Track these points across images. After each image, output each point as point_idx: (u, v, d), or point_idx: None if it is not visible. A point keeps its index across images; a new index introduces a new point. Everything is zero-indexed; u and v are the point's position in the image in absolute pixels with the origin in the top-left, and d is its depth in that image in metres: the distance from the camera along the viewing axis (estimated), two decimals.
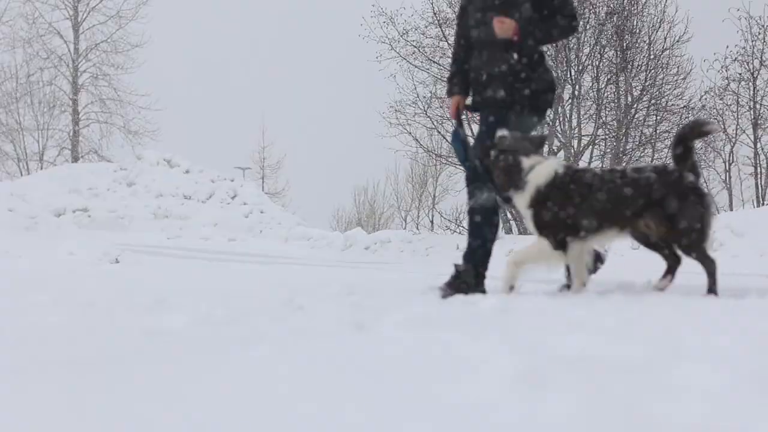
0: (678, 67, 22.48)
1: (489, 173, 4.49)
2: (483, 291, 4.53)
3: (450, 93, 4.91)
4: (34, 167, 29.59)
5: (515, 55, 4.54)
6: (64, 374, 1.80)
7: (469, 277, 4.53)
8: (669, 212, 4.07)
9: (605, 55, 22.67)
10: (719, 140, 19.97)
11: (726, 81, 19.39)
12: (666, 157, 22.20)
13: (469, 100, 4.89)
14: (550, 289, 4.72)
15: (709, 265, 4.11)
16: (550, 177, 4.17)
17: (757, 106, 18.88)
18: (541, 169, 4.21)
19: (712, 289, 4.10)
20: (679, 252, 4.24)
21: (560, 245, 4.16)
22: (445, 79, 5.00)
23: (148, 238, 17.96)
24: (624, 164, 22.03)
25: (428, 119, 23.76)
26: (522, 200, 4.24)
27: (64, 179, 22.61)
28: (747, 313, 3.11)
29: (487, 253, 4.61)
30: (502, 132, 4.39)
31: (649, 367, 1.79)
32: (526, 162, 4.24)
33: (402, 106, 23.79)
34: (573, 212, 4.12)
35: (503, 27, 4.47)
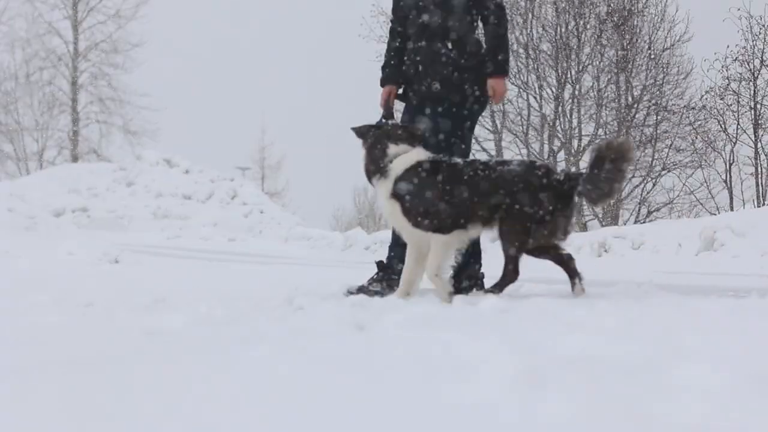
0: (678, 66, 22.50)
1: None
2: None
3: (383, 82, 4.75)
4: (34, 167, 29.59)
5: (450, 45, 4.45)
6: (64, 374, 1.80)
7: (393, 280, 4.47)
8: (510, 210, 3.87)
9: (606, 55, 22.69)
10: (720, 140, 19.98)
11: (726, 81, 19.39)
12: (667, 156, 22.23)
13: (401, 91, 4.77)
14: (549, 289, 4.72)
15: (507, 275, 3.92)
16: (410, 166, 3.98)
17: (758, 106, 18.88)
18: (404, 158, 4.03)
19: (490, 288, 3.97)
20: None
21: (446, 227, 3.91)
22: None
23: (147, 238, 17.97)
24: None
25: None
26: (383, 188, 4.06)
27: (63, 179, 22.63)
28: (747, 313, 3.11)
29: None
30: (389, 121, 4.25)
31: (649, 367, 1.79)
32: (392, 149, 4.07)
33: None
34: (432, 204, 3.91)
35: (501, 93, 4.51)
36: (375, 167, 4.09)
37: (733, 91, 19.26)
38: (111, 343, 2.31)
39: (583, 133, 23.04)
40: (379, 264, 4.62)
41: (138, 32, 31.30)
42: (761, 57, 18.92)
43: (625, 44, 22.26)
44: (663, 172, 22.37)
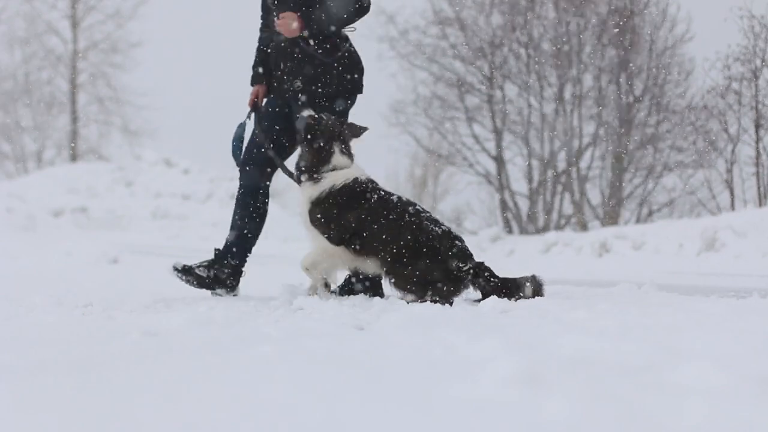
0: (680, 66, 22.51)
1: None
2: (232, 290, 4.28)
3: (252, 82, 4.57)
4: (33, 167, 29.59)
5: (312, 41, 4.24)
6: (63, 374, 1.79)
7: (222, 272, 4.28)
8: None
9: (607, 54, 22.70)
10: (721, 140, 19.99)
11: (728, 80, 19.38)
12: (668, 156, 22.23)
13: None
14: (550, 290, 4.71)
15: None
16: (349, 181, 3.93)
17: (759, 106, 18.88)
18: (342, 174, 3.96)
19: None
20: None
21: (339, 242, 3.92)
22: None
23: (146, 239, 17.96)
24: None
25: (428, 119, 23.81)
26: (309, 192, 3.98)
27: (62, 179, 22.61)
28: (748, 313, 3.10)
29: (249, 248, 4.36)
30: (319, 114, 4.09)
31: (649, 367, 1.79)
32: (336, 159, 3.98)
33: (402, 106, 23.82)
34: (355, 224, 3.88)
35: (285, 24, 4.18)
36: (312, 170, 4.00)
37: (735, 90, 19.26)
38: (110, 344, 2.31)
39: (583, 132, 23.06)
40: (216, 251, 4.42)
41: (137, 32, 31.29)
42: (763, 56, 18.92)
43: (626, 44, 22.27)
44: (664, 172, 22.38)
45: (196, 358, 2.01)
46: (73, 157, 29.12)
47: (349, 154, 4.06)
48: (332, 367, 1.84)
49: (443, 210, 29.66)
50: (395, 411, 1.43)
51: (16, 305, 3.54)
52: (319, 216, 3.95)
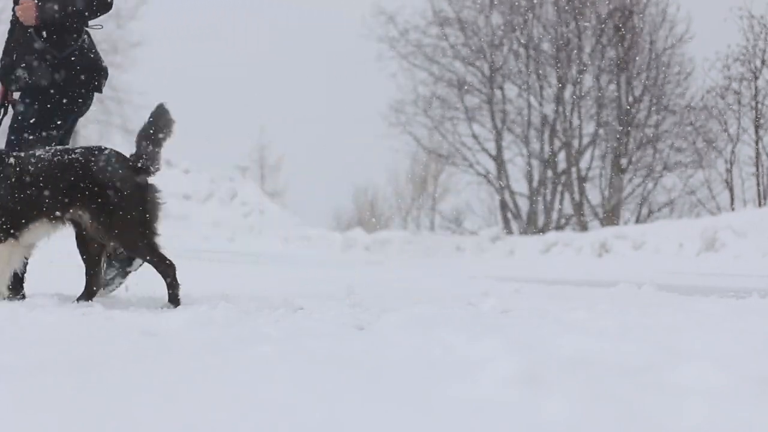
0: (679, 66, 22.53)
1: None
2: (21, 295, 4.07)
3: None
4: None
5: (44, 34, 4.16)
6: (63, 374, 1.79)
7: None
8: (102, 204, 3.68)
9: (606, 55, 22.71)
10: (721, 140, 20.00)
11: (728, 80, 19.39)
12: (668, 156, 22.23)
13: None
14: (549, 290, 4.71)
15: (164, 269, 3.75)
16: None
17: (759, 106, 18.88)
18: None
19: (172, 298, 3.72)
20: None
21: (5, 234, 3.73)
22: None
23: None
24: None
25: (428, 119, 23.82)
26: None
27: None
28: (748, 313, 3.10)
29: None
30: None
31: (649, 367, 1.79)
32: None
33: (402, 106, 23.85)
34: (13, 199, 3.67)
35: (23, 11, 4.11)
36: None
37: (734, 90, 19.27)
38: (110, 344, 2.31)
39: (583, 132, 23.07)
40: None
41: (137, 32, 31.21)
42: (762, 57, 18.92)
43: (625, 44, 22.28)
44: (664, 172, 22.39)
45: (195, 358, 2.01)
46: None
47: None
48: (332, 367, 1.84)
49: (443, 210, 29.63)
50: (395, 411, 1.43)
51: (17, 305, 3.54)
52: None
